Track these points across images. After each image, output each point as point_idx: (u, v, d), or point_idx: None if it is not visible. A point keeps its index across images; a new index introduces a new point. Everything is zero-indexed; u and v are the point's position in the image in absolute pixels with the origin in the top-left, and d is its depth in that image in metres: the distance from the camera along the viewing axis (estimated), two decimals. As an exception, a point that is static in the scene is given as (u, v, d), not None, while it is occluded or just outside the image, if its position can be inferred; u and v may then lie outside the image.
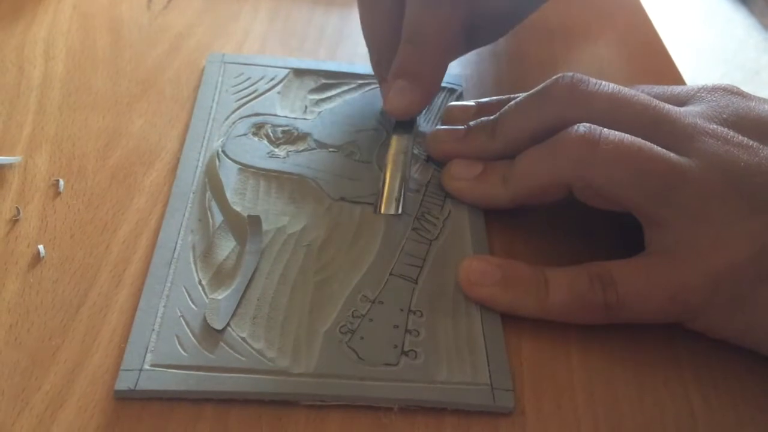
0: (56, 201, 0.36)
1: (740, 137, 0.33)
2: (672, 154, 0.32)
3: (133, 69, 0.44)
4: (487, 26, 0.42)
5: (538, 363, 0.32)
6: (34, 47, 0.45)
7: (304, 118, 0.42)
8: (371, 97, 0.44)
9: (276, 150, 0.40)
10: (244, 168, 0.38)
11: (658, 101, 0.35)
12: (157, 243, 0.34)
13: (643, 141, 0.33)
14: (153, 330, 0.31)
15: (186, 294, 0.32)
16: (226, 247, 0.34)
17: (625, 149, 0.32)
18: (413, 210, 0.38)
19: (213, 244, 0.34)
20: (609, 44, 0.39)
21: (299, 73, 0.45)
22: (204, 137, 0.40)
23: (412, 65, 0.38)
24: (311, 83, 0.45)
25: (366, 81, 0.45)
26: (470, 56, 0.49)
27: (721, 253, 0.31)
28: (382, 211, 0.36)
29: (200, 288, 0.32)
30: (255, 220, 0.34)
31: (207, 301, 0.32)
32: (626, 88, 0.35)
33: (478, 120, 0.39)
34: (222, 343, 0.30)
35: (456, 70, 0.48)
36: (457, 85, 0.46)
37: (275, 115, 0.42)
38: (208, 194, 0.36)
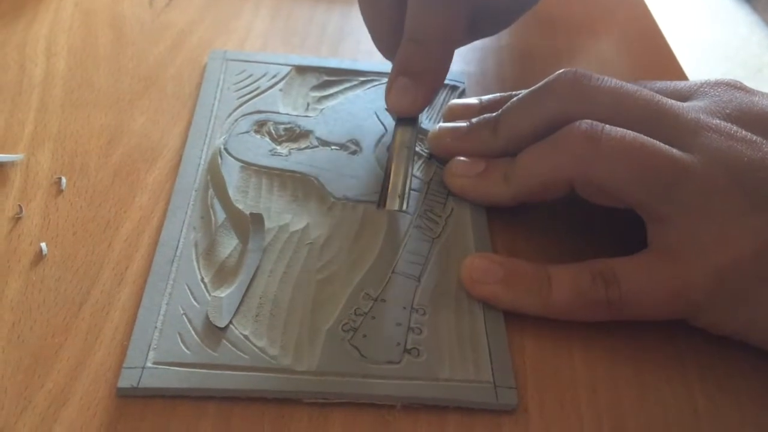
0: (58, 199, 0.36)
1: (743, 132, 0.33)
2: (674, 150, 0.32)
3: (135, 66, 0.44)
4: (489, 19, 0.42)
5: (541, 361, 0.32)
6: (36, 45, 0.45)
7: (307, 116, 0.42)
8: (373, 94, 0.44)
9: (278, 148, 0.40)
10: (246, 166, 0.38)
11: (660, 96, 0.35)
12: (160, 240, 0.34)
13: (645, 137, 0.33)
14: (155, 328, 0.31)
15: (188, 292, 0.32)
16: (229, 244, 0.34)
17: (627, 145, 0.32)
18: (416, 208, 0.37)
19: (215, 241, 0.34)
20: (611, 41, 0.39)
21: (301, 70, 0.45)
22: (206, 135, 0.40)
23: (415, 63, 0.38)
24: (313, 80, 0.45)
25: (368, 78, 0.45)
26: (473, 53, 0.49)
27: (724, 249, 0.31)
28: (386, 207, 0.36)
29: (203, 286, 0.32)
30: (257, 218, 0.34)
31: (209, 298, 0.32)
32: (629, 84, 0.35)
33: (481, 117, 0.39)
34: (224, 341, 0.30)
35: (458, 67, 0.48)
36: (460, 82, 0.46)
37: (277, 112, 0.42)
38: (211, 192, 0.36)
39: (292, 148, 0.40)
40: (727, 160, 0.32)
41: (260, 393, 0.29)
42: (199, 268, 0.33)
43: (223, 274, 0.33)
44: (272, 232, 0.35)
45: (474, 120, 0.39)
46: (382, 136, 0.41)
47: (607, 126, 0.33)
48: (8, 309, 0.31)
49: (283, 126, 0.41)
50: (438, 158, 0.40)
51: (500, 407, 0.30)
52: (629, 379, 0.32)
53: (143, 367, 0.29)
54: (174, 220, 0.35)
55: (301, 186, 0.38)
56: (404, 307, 0.33)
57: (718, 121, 0.33)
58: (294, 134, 0.41)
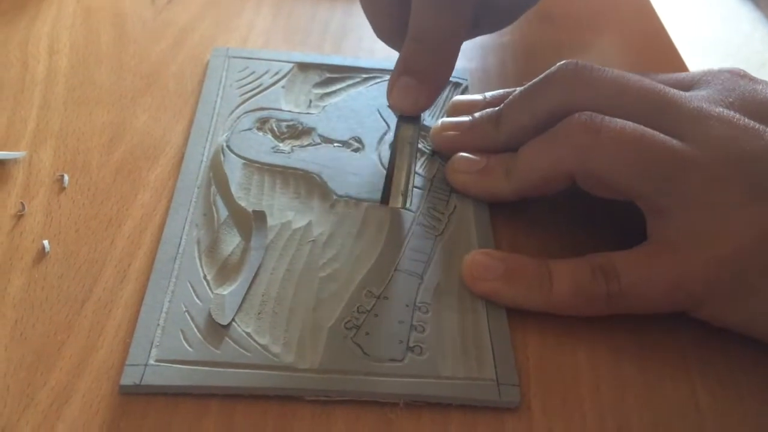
0: (61, 196, 0.36)
1: (746, 120, 0.33)
2: (675, 141, 0.32)
3: (137, 64, 0.44)
4: (491, 16, 0.41)
5: (544, 358, 0.32)
6: (38, 42, 0.45)
7: (309, 113, 0.42)
8: (376, 91, 0.44)
9: (281, 145, 0.40)
10: (249, 163, 0.38)
11: (662, 86, 0.35)
12: (162, 238, 0.34)
13: (645, 128, 0.32)
14: (158, 325, 0.31)
15: (191, 289, 0.32)
16: (231, 242, 0.34)
17: (626, 137, 0.32)
18: (419, 205, 0.37)
19: (218, 239, 0.34)
20: (614, 37, 0.39)
21: (304, 67, 0.45)
22: (208, 132, 0.40)
23: (418, 63, 0.37)
24: (316, 77, 0.45)
25: (371, 75, 0.45)
26: (475, 50, 0.49)
27: (724, 241, 0.31)
28: (389, 204, 0.36)
29: (205, 283, 0.32)
30: (260, 216, 0.34)
31: (212, 296, 0.32)
32: (630, 74, 0.35)
33: (483, 111, 0.39)
34: (227, 339, 0.30)
35: (461, 64, 0.47)
36: (463, 79, 0.46)
37: (280, 109, 0.42)
38: (213, 189, 0.36)
39: (294, 146, 0.40)
40: (728, 149, 0.32)
41: (262, 391, 0.29)
42: (201, 266, 0.33)
43: (225, 272, 0.33)
44: (275, 229, 0.35)
45: (476, 114, 0.39)
46: (385, 133, 0.41)
47: (607, 117, 0.33)
48: (11, 306, 0.31)
49: (285, 123, 0.41)
50: (441, 155, 0.40)
51: (503, 405, 0.30)
52: (632, 376, 0.32)
53: (146, 365, 0.29)
54: (176, 218, 0.35)
55: (303, 183, 0.38)
56: (407, 305, 0.33)
57: (720, 110, 0.33)
58: (296, 131, 0.41)
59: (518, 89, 0.38)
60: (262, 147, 0.39)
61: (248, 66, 0.44)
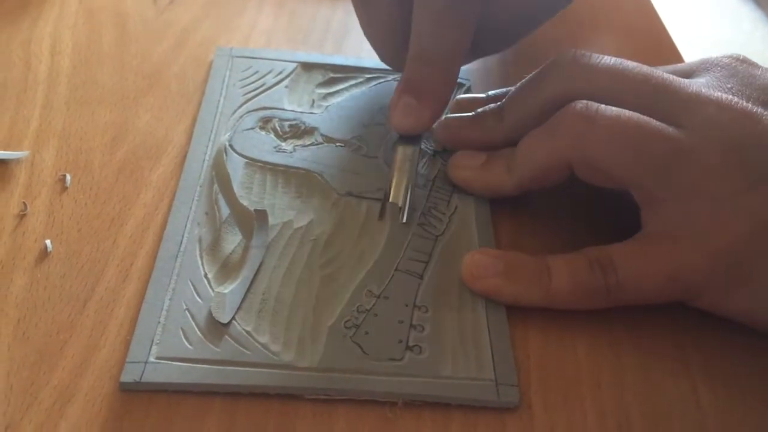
0: (63, 196, 0.36)
1: (743, 104, 0.33)
2: (671, 129, 0.32)
3: (139, 64, 0.44)
4: (492, 39, 0.41)
5: (545, 356, 0.32)
6: (41, 42, 0.45)
7: (312, 113, 0.42)
8: (379, 91, 0.44)
9: (283, 144, 0.40)
10: (251, 162, 0.38)
11: (660, 72, 0.35)
12: (164, 235, 0.34)
13: (641, 116, 0.33)
14: (159, 323, 0.31)
15: (192, 287, 0.32)
16: (233, 240, 0.35)
17: (622, 125, 0.32)
18: (420, 205, 0.38)
19: (219, 237, 0.35)
20: (615, 36, 0.39)
21: (307, 67, 0.45)
22: (211, 131, 0.40)
23: (420, 83, 0.37)
24: (319, 77, 0.45)
25: (373, 75, 0.45)
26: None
27: (720, 230, 0.31)
28: (385, 218, 0.36)
29: (206, 281, 0.33)
30: (262, 215, 0.34)
31: (213, 294, 0.32)
32: (629, 61, 0.35)
33: (486, 106, 0.39)
34: (227, 337, 0.31)
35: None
36: (465, 79, 0.46)
37: (283, 109, 0.42)
38: (215, 187, 0.36)
39: (296, 145, 0.40)
40: (724, 135, 0.32)
41: (262, 389, 0.29)
42: (202, 264, 0.33)
43: (226, 270, 0.33)
44: (276, 228, 0.35)
45: (479, 110, 0.39)
46: (387, 133, 0.41)
47: (603, 106, 0.33)
48: (13, 306, 0.31)
49: (288, 123, 0.41)
50: (442, 155, 0.40)
51: (502, 405, 0.30)
52: (633, 373, 0.32)
53: (146, 362, 0.29)
54: (178, 216, 0.35)
55: (305, 182, 0.38)
56: (407, 305, 0.33)
57: (718, 94, 0.33)
58: (299, 131, 0.41)
59: (520, 82, 0.38)
60: (264, 146, 0.39)
61: (252, 65, 0.45)
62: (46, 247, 0.33)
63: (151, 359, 0.29)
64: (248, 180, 0.38)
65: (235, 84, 0.43)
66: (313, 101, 0.43)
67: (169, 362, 0.29)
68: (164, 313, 0.31)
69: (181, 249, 0.34)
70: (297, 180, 0.38)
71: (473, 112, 0.39)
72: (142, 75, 0.43)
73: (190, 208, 0.36)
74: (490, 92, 0.41)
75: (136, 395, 0.29)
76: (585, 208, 0.39)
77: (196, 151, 0.39)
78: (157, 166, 0.38)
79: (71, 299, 0.32)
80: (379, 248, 0.35)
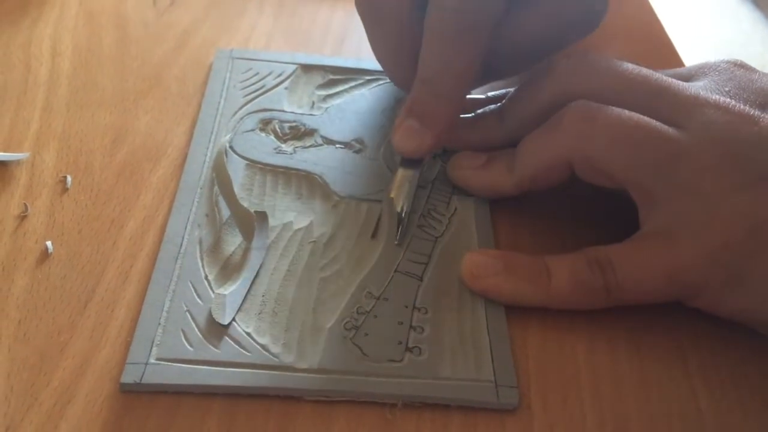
0: (64, 197, 0.36)
1: (741, 106, 0.33)
2: (670, 129, 0.32)
3: (139, 66, 0.44)
4: (509, 62, 0.40)
5: (545, 358, 0.32)
6: (41, 44, 0.45)
7: (312, 114, 0.42)
8: (379, 93, 0.44)
9: (283, 146, 0.40)
10: (252, 164, 0.39)
11: (660, 74, 0.35)
12: (164, 237, 0.34)
13: (641, 116, 0.33)
14: (159, 324, 0.31)
15: (192, 288, 0.32)
16: (233, 242, 0.35)
17: (622, 125, 0.33)
18: (419, 207, 0.38)
19: (220, 239, 0.35)
20: (613, 38, 0.39)
21: (307, 68, 0.45)
22: (212, 132, 0.40)
23: (425, 106, 0.37)
24: (319, 79, 0.45)
25: (374, 77, 0.45)
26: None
27: (716, 230, 0.31)
28: (377, 238, 0.36)
29: (206, 283, 0.33)
30: (262, 216, 0.35)
31: (213, 295, 0.32)
32: (628, 63, 0.35)
33: (486, 107, 0.39)
34: (227, 338, 0.31)
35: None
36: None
37: (283, 110, 0.42)
38: (216, 189, 0.37)
39: (297, 147, 0.40)
40: (721, 136, 0.32)
41: (262, 390, 0.29)
42: (203, 266, 0.33)
43: (226, 272, 0.33)
44: (276, 230, 0.35)
45: (479, 110, 0.39)
46: (387, 134, 0.41)
47: (603, 105, 0.33)
48: (14, 307, 0.31)
49: (288, 124, 0.41)
50: (442, 156, 0.40)
51: (501, 406, 0.30)
52: (632, 376, 0.32)
53: (146, 363, 0.29)
54: (179, 217, 0.35)
55: (305, 184, 0.38)
56: (406, 306, 0.33)
57: (716, 97, 0.33)
58: (299, 132, 0.41)
59: (519, 83, 0.38)
60: (264, 148, 0.40)
61: (252, 67, 0.45)
62: (46, 249, 0.33)
63: (152, 360, 0.29)
64: (248, 181, 0.38)
65: (235, 86, 0.43)
66: (313, 103, 0.43)
67: (170, 363, 0.29)
68: (164, 314, 0.31)
69: (182, 250, 0.34)
70: (297, 181, 0.38)
71: (473, 113, 0.39)
72: (143, 77, 0.44)
73: (191, 209, 0.36)
74: (490, 93, 0.42)
75: (136, 396, 0.29)
76: (584, 209, 0.39)
77: (196, 152, 0.39)
78: (157, 167, 0.38)
79: (72, 300, 0.32)
80: (378, 250, 0.35)
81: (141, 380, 0.29)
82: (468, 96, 0.42)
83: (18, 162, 0.37)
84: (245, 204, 0.35)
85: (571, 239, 0.37)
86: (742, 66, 0.36)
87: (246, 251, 0.34)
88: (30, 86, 0.42)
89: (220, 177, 0.37)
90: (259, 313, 0.32)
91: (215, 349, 0.30)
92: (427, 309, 0.33)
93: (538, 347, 0.33)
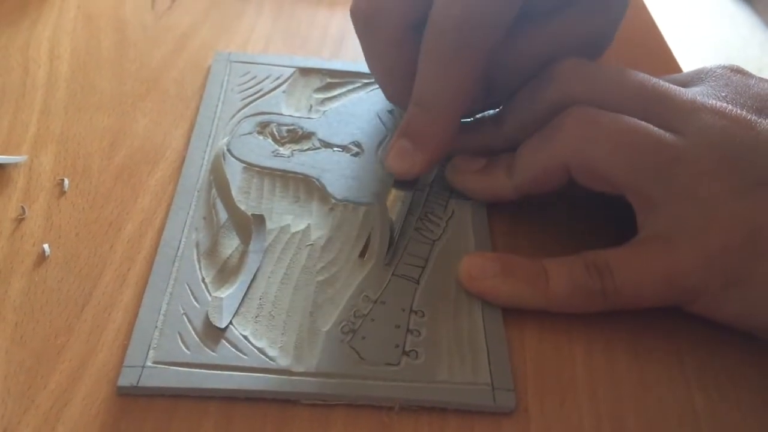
0: (61, 200, 0.36)
1: (737, 111, 0.33)
2: (667, 135, 0.33)
3: (137, 69, 0.44)
4: (512, 84, 0.39)
5: (542, 361, 0.32)
6: (39, 47, 0.45)
7: (309, 117, 0.42)
8: (376, 96, 0.44)
9: (281, 149, 0.40)
10: (249, 167, 0.39)
11: (657, 80, 0.35)
12: (162, 240, 0.34)
13: (639, 121, 0.33)
14: (156, 327, 0.31)
15: (189, 291, 0.32)
16: (230, 245, 0.35)
17: (619, 129, 0.33)
18: (417, 210, 0.38)
19: (217, 242, 0.35)
20: (613, 46, 0.39)
21: (305, 72, 0.45)
22: (209, 136, 0.40)
23: (418, 128, 0.36)
24: (317, 82, 0.45)
25: (371, 80, 0.45)
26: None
27: (714, 234, 0.31)
28: (365, 258, 0.35)
29: (203, 286, 0.33)
30: (259, 219, 0.35)
31: (210, 299, 0.32)
32: (626, 69, 0.35)
33: (485, 112, 0.39)
34: (224, 342, 0.31)
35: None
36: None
37: (280, 114, 0.42)
38: (213, 192, 0.37)
39: (294, 150, 0.40)
40: (718, 141, 0.32)
41: (259, 394, 0.29)
42: (200, 269, 0.33)
43: (224, 275, 0.33)
44: (273, 233, 0.35)
45: (478, 115, 0.39)
46: (385, 138, 0.42)
47: (602, 111, 0.33)
48: (11, 310, 0.31)
49: (285, 127, 0.41)
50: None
51: (498, 409, 0.30)
52: (629, 379, 0.32)
53: (143, 366, 0.29)
54: (176, 220, 0.35)
55: (303, 187, 0.38)
56: (403, 310, 0.33)
57: (713, 102, 0.34)
58: (296, 136, 0.41)
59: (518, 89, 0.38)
60: (262, 151, 0.40)
61: (250, 70, 0.45)
62: (44, 251, 0.33)
63: (149, 363, 0.29)
64: (246, 184, 0.38)
65: (233, 89, 0.43)
66: (311, 106, 0.43)
67: (167, 366, 0.29)
68: (161, 317, 0.31)
69: (179, 253, 0.34)
70: (294, 185, 0.38)
71: (472, 119, 0.40)
72: (141, 80, 0.44)
73: (188, 212, 0.36)
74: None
75: (133, 399, 0.29)
76: (581, 213, 0.39)
77: (194, 155, 0.39)
78: (155, 170, 0.38)
79: (69, 303, 0.32)
80: (375, 253, 0.35)
81: (138, 383, 0.29)
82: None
83: (16, 165, 0.37)
84: (243, 207, 0.35)
85: (569, 244, 0.37)
86: (738, 71, 0.36)
87: (243, 254, 0.34)
88: (28, 89, 0.42)
89: (217, 180, 0.37)
90: (256, 317, 0.32)
91: (212, 353, 0.30)
92: (424, 312, 0.33)
93: (536, 350, 0.33)
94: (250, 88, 0.44)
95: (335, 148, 0.41)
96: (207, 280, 0.33)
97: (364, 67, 0.45)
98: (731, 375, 0.33)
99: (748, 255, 0.31)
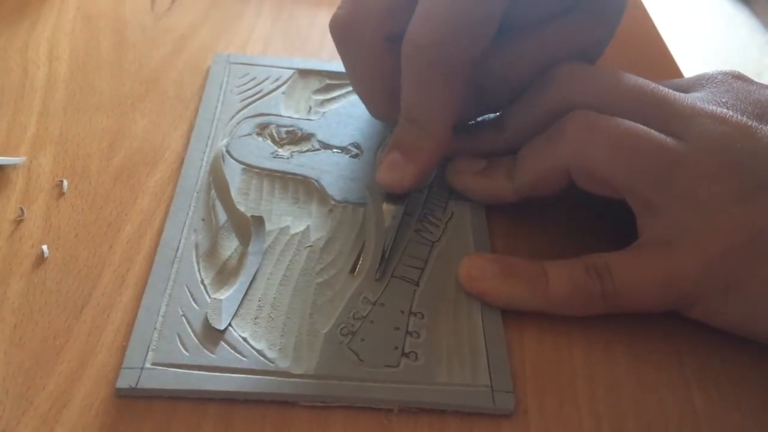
0: (60, 201, 0.36)
1: (738, 117, 0.33)
2: (668, 139, 0.33)
3: (136, 70, 0.44)
4: (503, 94, 0.39)
5: (541, 362, 0.32)
6: (38, 48, 0.45)
7: (309, 119, 0.42)
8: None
9: (280, 150, 0.40)
10: (248, 168, 0.39)
11: (658, 85, 0.35)
12: (161, 241, 0.34)
13: (639, 126, 0.33)
14: (155, 329, 0.31)
15: (188, 293, 0.32)
16: (229, 246, 0.35)
17: (621, 134, 0.33)
18: (416, 211, 0.38)
19: (216, 243, 0.35)
20: (611, 47, 0.39)
21: (304, 73, 0.45)
22: (209, 137, 0.40)
23: (407, 141, 0.36)
24: (316, 84, 0.45)
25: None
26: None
27: (714, 239, 0.31)
28: (355, 274, 0.35)
29: (202, 287, 0.33)
30: (258, 221, 0.35)
31: (209, 300, 0.32)
32: (627, 73, 0.35)
33: (485, 116, 0.39)
34: (223, 343, 0.31)
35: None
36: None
37: (280, 115, 0.42)
38: (212, 193, 0.37)
39: (293, 151, 0.40)
40: (719, 146, 0.32)
41: (258, 396, 0.29)
42: (199, 270, 0.33)
43: (223, 277, 0.33)
44: (273, 234, 0.35)
45: (478, 119, 0.39)
46: (384, 139, 0.42)
47: (602, 115, 0.33)
48: (10, 311, 0.31)
49: (285, 129, 0.41)
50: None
51: (497, 411, 0.30)
52: (629, 380, 0.32)
53: (142, 368, 0.29)
54: (175, 222, 0.35)
55: (302, 189, 0.38)
56: (402, 311, 0.33)
57: (713, 108, 0.34)
58: (296, 137, 0.41)
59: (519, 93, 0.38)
60: (261, 152, 0.40)
61: (249, 72, 0.45)
62: (42, 253, 0.33)
63: (147, 365, 0.29)
64: (245, 186, 0.38)
65: (232, 90, 0.43)
66: (310, 107, 0.43)
67: (165, 368, 0.29)
68: (160, 319, 0.31)
69: (178, 255, 0.34)
70: (294, 186, 0.38)
71: (472, 123, 0.40)
72: (140, 81, 0.44)
73: (187, 214, 0.36)
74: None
75: (132, 401, 0.29)
76: (581, 216, 0.39)
77: (193, 157, 0.39)
78: (154, 171, 0.38)
79: (68, 305, 0.32)
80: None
81: (137, 385, 0.29)
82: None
83: (15, 166, 0.37)
84: (242, 208, 0.35)
85: (568, 246, 0.37)
86: (739, 77, 0.36)
87: (242, 256, 0.34)
88: (27, 90, 0.42)
89: (217, 181, 0.37)
90: (255, 318, 0.32)
91: (211, 354, 0.30)
92: (424, 314, 0.33)
93: (535, 352, 0.33)
94: (249, 89, 0.44)
95: (334, 150, 0.41)
96: (206, 282, 0.33)
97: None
98: (731, 376, 0.33)
99: (749, 258, 0.31)
